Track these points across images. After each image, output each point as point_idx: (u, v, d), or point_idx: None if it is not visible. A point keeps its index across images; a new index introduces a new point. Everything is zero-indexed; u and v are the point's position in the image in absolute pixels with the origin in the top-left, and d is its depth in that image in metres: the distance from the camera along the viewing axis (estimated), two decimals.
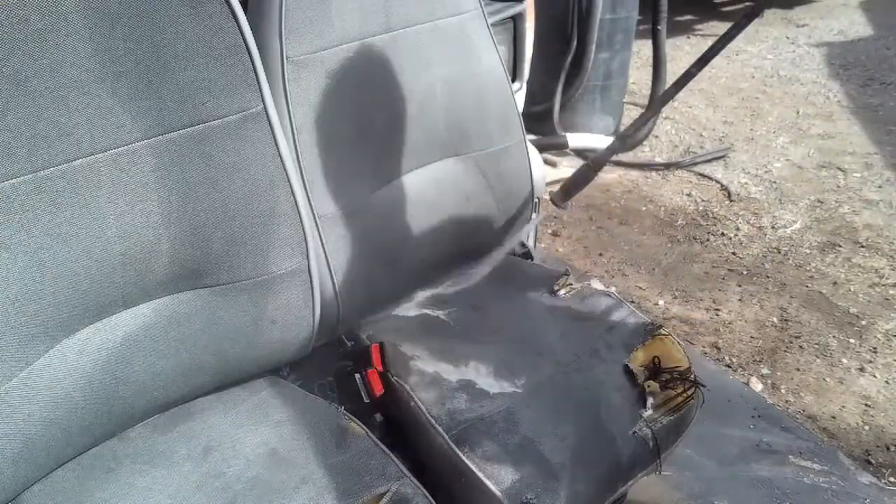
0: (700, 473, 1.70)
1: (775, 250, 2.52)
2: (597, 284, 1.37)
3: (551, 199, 1.21)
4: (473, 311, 1.31)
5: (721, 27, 5.15)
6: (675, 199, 2.93)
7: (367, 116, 1.19)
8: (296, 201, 1.03)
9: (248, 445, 0.98)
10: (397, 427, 1.13)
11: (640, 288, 2.40)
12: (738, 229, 2.68)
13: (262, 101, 0.97)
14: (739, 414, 1.85)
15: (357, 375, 1.15)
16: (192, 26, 0.89)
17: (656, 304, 2.32)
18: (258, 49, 0.95)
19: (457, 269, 1.44)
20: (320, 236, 1.15)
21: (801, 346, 2.10)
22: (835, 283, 2.35)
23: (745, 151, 3.28)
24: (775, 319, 2.22)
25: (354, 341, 1.26)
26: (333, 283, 1.18)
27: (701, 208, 2.85)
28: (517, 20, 2.31)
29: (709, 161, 3.19)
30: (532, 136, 2.71)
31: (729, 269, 2.47)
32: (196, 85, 0.90)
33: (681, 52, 4.55)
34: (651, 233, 2.71)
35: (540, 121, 3.18)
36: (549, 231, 2.76)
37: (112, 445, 0.98)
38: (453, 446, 1.03)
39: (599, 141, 3.18)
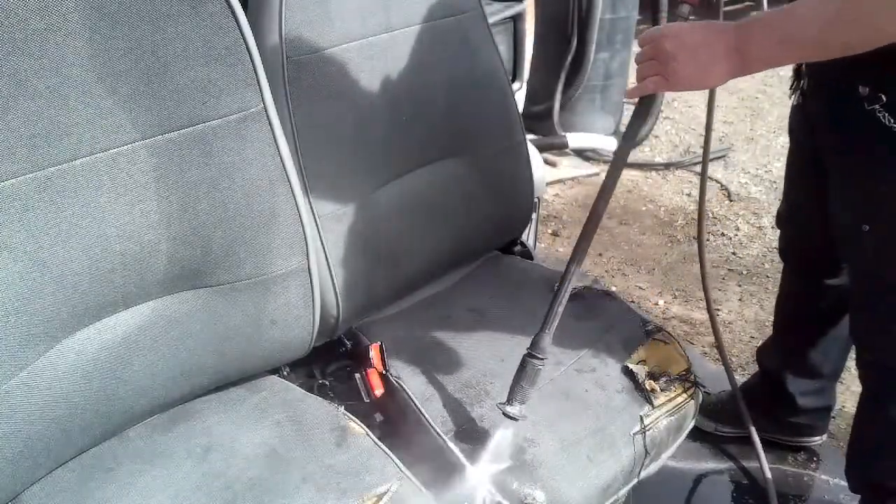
0: (700, 473, 1.70)
1: (775, 250, 2.52)
2: (597, 284, 1.37)
3: None
4: (473, 310, 1.31)
5: None
6: (675, 199, 2.93)
7: (367, 116, 1.19)
8: (296, 201, 1.03)
9: (248, 445, 0.98)
10: (397, 427, 1.13)
11: (640, 288, 2.40)
12: (738, 229, 2.68)
13: (262, 101, 0.97)
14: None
15: (357, 375, 1.15)
16: (191, 26, 0.89)
17: (656, 304, 2.32)
18: (258, 49, 0.95)
19: (456, 268, 1.44)
20: (320, 236, 1.15)
21: None
22: None
23: (745, 151, 3.28)
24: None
25: (354, 341, 1.26)
26: (333, 283, 1.18)
27: None
28: (517, 20, 2.31)
29: (708, 161, 3.19)
30: (532, 136, 2.71)
31: (729, 269, 2.47)
32: (196, 85, 0.90)
33: None
34: (651, 233, 2.71)
35: (540, 121, 3.18)
36: (549, 231, 2.75)
37: (112, 445, 0.98)
38: (452, 446, 1.03)
39: (599, 141, 3.18)
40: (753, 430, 1.58)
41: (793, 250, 1.55)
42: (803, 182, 1.39)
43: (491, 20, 1.40)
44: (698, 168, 3.15)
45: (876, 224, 1.13)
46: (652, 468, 1.13)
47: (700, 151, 3.25)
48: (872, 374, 1.31)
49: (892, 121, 1.01)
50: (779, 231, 1.60)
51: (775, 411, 1.66)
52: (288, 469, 0.94)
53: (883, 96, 1.01)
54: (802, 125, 1.31)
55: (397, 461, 0.97)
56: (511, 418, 1.01)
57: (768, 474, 1.56)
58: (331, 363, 1.25)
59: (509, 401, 1.02)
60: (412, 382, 1.13)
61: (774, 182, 2.96)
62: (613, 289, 2.34)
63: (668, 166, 3.15)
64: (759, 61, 0.93)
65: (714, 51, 0.92)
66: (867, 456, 1.38)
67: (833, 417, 1.81)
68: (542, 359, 1.03)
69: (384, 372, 1.15)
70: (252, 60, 0.94)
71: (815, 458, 1.72)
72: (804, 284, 1.55)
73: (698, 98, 3.84)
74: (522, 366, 1.03)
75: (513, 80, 2.27)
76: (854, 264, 1.24)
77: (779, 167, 3.04)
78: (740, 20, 0.93)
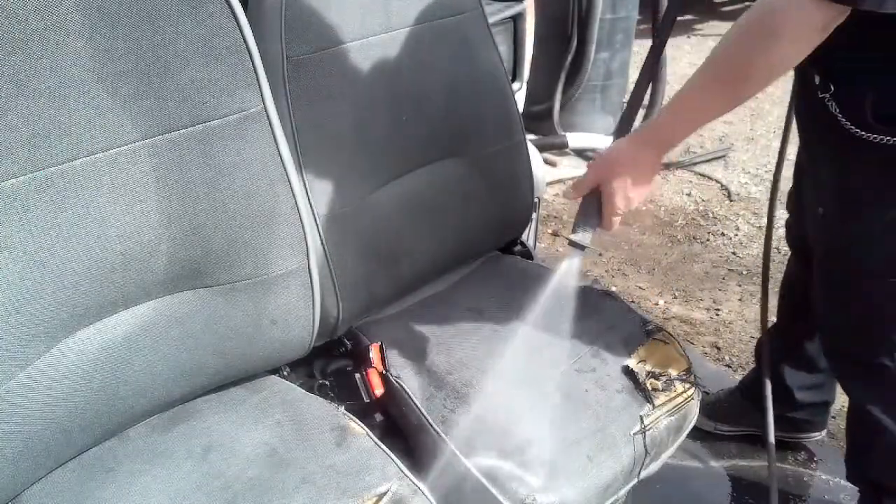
0: (701, 473, 1.70)
1: (775, 250, 2.52)
2: (597, 284, 1.37)
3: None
4: (473, 310, 1.31)
5: (721, 27, 5.15)
6: (675, 198, 2.93)
7: (367, 116, 1.19)
8: (296, 201, 1.03)
9: (248, 445, 0.98)
10: (397, 427, 1.13)
11: (640, 288, 2.40)
12: (738, 229, 2.68)
13: (262, 101, 0.97)
14: None
15: (357, 375, 1.15)
16: (192, 26, 0.89)
17: (656, 303, 2.32)
18: (258, 49, 0.95)
19: (456, 268, 1.44)
20: (320, 236, 1.15)
21: None
22: None
23: (745, 151, 3.28)
24: (776, 319, 2.22)
25: (354, 341, 1.26)
26: (333, 283, 1.17)
27: (701, 208, 2.85)
28: (517, 20, 2.31)
29: (709, 161, 3.19)
30: (532, 136, 2.71)
31: (729, 269, 2.47)
32: (196, 85, 0.90)
33: (681, 51, 4.55)
34: (651, 233, 2.71)
35: (540, 121, 3.18)
36: (549, 231, 2.76)
37: (112, 445, 0.98)
38: (452, 447, 1.03)
39: (599, 141, 3.18)
40: (769, 408, 1.57)
41: (792, 236, 1.55)
42: (800, 166, 1.41)
43: (491, 20, 1.39)
44: (698, 168, 3.15)
45: (826, 209, 1.16)
46: (652, 468, 1.13)
47: (700, 151, 3.26)
48: (840, 367, 1.33)
49: (836, 109, 1.03)
50: (787, 218, 1.60)
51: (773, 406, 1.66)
52: (288, 469, 0.94)
53: (831, 85, 1.03)
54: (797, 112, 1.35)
55: (397, 461, 0.97)
56: (578, 247, 1.04)
57: (773, 465, 1.55)
58: (331, 363, 1.25)
59: (574, 230, 1.05)
60: (412, 382, 1.13)
61: None
62: (613, 289, 2.34)
63: (668, 166, 3.15)
64: (679, 141, 1.07)
65: (644, 170, 1.03)
66: (861, 455, 1.38)
67: (833, 417, 1.82)
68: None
69: (384, 372, 1.15)
70: (252, 60, 0.94)
71: (815, 458, 1.73)
72: (805, 272, 1.55)
73: None
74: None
75: (513, 80, 2.27)
76: (815, 249, 1.26)
77: None
78: (648, 125, 1.09)
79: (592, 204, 1.05)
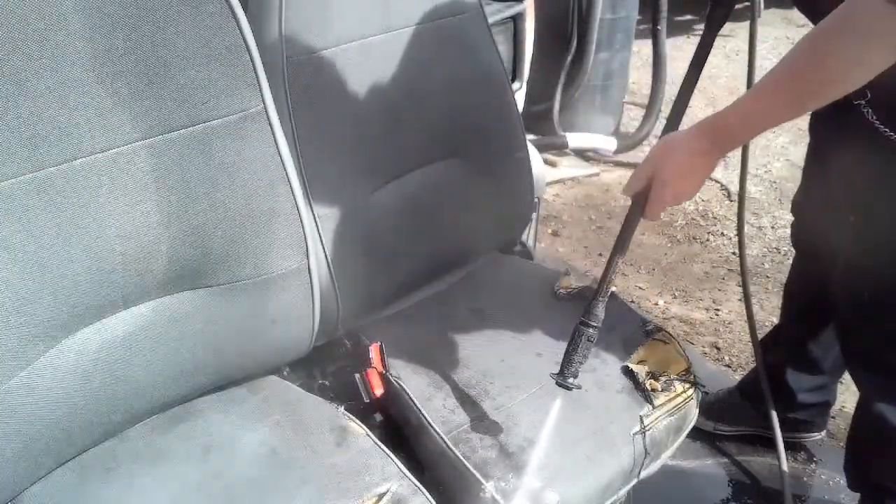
0: (701, 473, 1.70)
1: (775, 250, 2.52)
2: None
3: None
4: (473, 310, 1.31)
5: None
6: None
7: (367, 116, 1.19)
8: (296, 201, 1.03)
9: (248, 445, 0.98)
10: (397, 427, 1.13)
11: (640, 288, 2.40)
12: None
13: (262, 101, 0.97)
14: None
15: (357, 375, 1.15)
16: (191, 26, 0.89)
17: (656, 304, 2.32)
18: (258, 49, 0.95)
19: (456, 268, 1.44)
20: (320, 236, 1.15)
21: None
22: None
23: None
24: (775, 319, 2.21)
25: (354, 341, 1.26)
26: (333, 283, 1.18)
27: (701, 208, 2.85)
28: (517, 20, 2.31)
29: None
30: (532, 136, 2.71)
31: (729, 269, 2.47)
32: (196, 85, 0.90)
33: (681, 52, 4.54)
34: (651, 233, 2.71)
35: (540, 121, 3.18)
36: (549, 231, 2.76)
37: (112, 445, 0.98)
38: (451, 447, 1.03)
39: (599, 141, 3.18)
40: (774, 415, 1.55)
41: (801, 239, 1.55)
42: (817, 169, 1.40)
43: (491, 20, 1.40)
44: None
45: (859, 217, 1.15)
46: (652, 468, 1.13)
47: None
48: (859, 368, 1.32)
49: (874, 117, 1.02)
50: (793, 220, 1.59)
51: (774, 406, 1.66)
52: (288, 469, 0.94)
53: (868, 92, 1.02)
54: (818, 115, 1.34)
55: (397, 461, 0.97)
56: (568, 388, 1.00)
57: (784, 466, 1.55)
58: (331, 363, 1.25)
59: (562, 373, 1.01)
60: (412, 382, 1.13)
61: (774, 182, 2.96)
62: (613, 289, 2.34)
63: None
64: (740, 143, 1.03)
65: (702, 171, 0.98)
66: (864, 455, 1.38)
67: (833, 417, 1.82)
68: (596, 326, 1.01)
69: (384, 372, 1.15)
70: (252, 60, 0.94)
71: (814, 458, 1.73)
72: (811, 274, 1.54)
73: (698, 98, 3.84)
74: (577, 335, 1.01)
75: (513, 80, 2.27)
76: (839, 255, 1.25)
77: (779, 167, 3.04)
78: (710, 118, 0.97)
79: (583, 347, 1.01)
